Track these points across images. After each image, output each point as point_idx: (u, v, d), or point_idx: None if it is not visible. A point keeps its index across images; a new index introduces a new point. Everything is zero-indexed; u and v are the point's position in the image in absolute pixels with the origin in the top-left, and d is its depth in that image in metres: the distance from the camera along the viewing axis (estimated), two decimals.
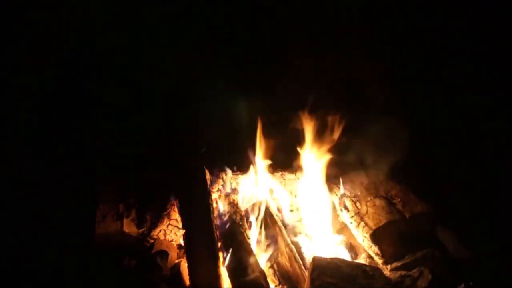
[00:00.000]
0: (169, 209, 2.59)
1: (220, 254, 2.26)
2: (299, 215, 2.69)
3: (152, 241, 2.56)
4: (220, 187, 2.71)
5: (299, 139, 2.79)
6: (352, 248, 2.66)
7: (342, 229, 2.73)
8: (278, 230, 2.41)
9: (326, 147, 2.70)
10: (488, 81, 3.15)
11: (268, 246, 2.39)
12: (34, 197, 2.76)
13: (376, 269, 2.16)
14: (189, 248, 2.29)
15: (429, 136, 3.01)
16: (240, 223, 2.45)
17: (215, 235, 2.31)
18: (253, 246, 2.40)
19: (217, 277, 2.15)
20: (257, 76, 3.32)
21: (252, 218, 2.53)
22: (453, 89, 3.18)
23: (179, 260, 2.51)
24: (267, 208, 2.54)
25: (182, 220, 2.44)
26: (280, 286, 2.27)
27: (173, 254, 2.52)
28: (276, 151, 2.81)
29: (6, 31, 3.02)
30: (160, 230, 2.57)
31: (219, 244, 2.31)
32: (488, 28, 3.11)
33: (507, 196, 2.56)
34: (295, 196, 2.73)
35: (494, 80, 3.13)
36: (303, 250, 2.45)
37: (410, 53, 3.32)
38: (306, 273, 2.17)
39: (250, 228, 2.49)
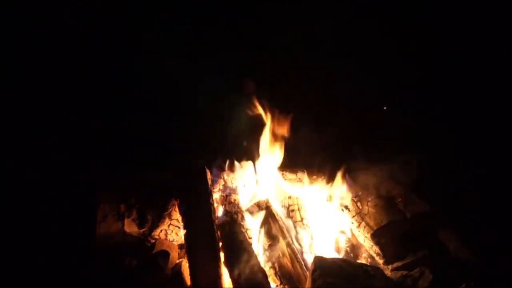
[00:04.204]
0: (170, 209, 2.58)
1: (221, 254, 2.26)
2: (300, 214, 2.68)
3: (153, 241, 2.56)
4: (221, 187, 2.71)
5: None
6: (353, 248, 2.67)
7: (343, 229, 2.73)
8: (279, 229, 2.41)
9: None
10: (489, 82, 3.16)
11: (269, 246, 2.39)
12: (34, 197, 2.76)
13: (377, 269, 2.16)
14: (190, 248, 2.29)
15: (430, 136, 3.02)
16: (242, 223, 2.45)
17: (216, 235, 2.31)
18: (254, 246, 2.40)
19: (218, 277, 2.15)
20: (260, 74, 3.33)
21: (253, 217, 2.53)
22: (455, 88, 3.19)
23: (180, 260, 2.51)
24: (268, 208, 2.54)
25: (183, 220, 2.43)
26: (281, 286, 2.27)
27: (174, 254, 2.52)
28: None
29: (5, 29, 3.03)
30: (161, 230, 2.57)
31: (220, 244, 2.31)
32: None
33: (507, 196, 2.57)
34: (297, 196, 2.72)
35: (495, 81, 3.14)
36: (305, 250, 2.45)
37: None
38: (308, 273, 2.17)
39: (251, 227, 2.49)
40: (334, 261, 2.16)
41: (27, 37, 3.16)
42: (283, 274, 2.27)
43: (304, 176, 2.78)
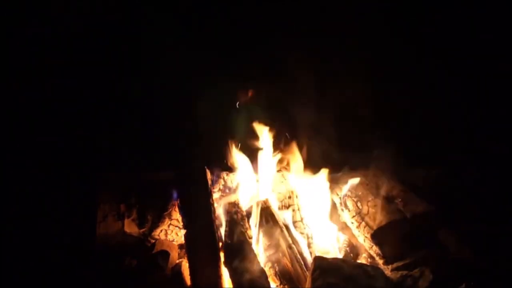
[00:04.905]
0: (170, 209, 2.59)
1: (221, 254, 2.26)
2: (300, 214, 2.68)
3: (153, 241, 2.56)
4: (221, 187, 2.71)
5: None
6: (353, 248, 2.67)
7: (343, 229, 2.73)
8: (279, 229, 2.41)
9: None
10: (488, 80, 3.16)
11: (269, 246, 2.38)
12: (34, 197, 2.76)
13: (377, 269, 2.16)
14: (190, 248, 2.29)
15: (430, 136, 3.02)
16: (241, 223, 2.45)
17: (216, 235, 2.31)
18: (254, 246, 2.40)
19: (218, 277, 2.15)
20: (258, 75, 3.32)
21: (253, 217, 2.54)
22: (455, 86, 3.19)
23: (180, 260, 2.51)
24: (268, 208, 2.53)
25: (183, 220, 2.44)
26: (281, 286, 2.26)
27: (174, 254, 2.52)
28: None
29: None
30: (161, 230, 2.57)
31: (220, 244, 2.31)
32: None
33: (507, 196, 2.57)
34: (296, 195, 2.72)
35: (494, 79, 3.14)
36: (304, 250, 2.45)
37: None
38: (308, 273, 2.17)
39: (251, 228, 2.50)
40: (334, 261, 2.16)
41: (29, 36, 3.16)
42: (283, 274, 2.26)
43: (304, 176, 2.79)
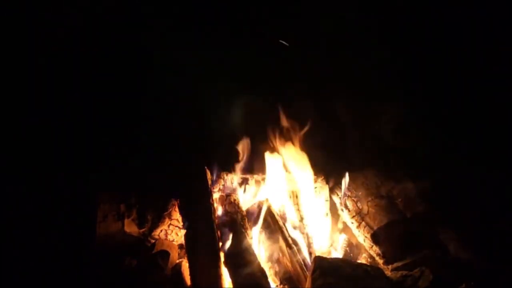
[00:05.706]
0: (170, 209, 2.58)
1: (221, 254, 2.26)
2: (300, 214, 2.69)
3: (153, 241, 2.56)
4: (221, 187, 2.72)
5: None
6: (353, 248, 2.67)
7: (343, 229, 2.73)
8: (279, 229, 2.41)
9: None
10: (488, 81, 3.16)
11: (269, 246, 2.39)
12: (34, 197, 2.76)
13: (377, 269, 2.16)
14: (190, 248, 2.29)
15: (430, 136, 3.02)
16: (242, 223, 2.45)
17: (216, 235, 2.31)
18: (255, 246, 2.40)
19: (218, 277, 2.15)
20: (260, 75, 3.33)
21: (253, 218, 2.54)
22: (455, 89, 3.19)
23: (180, 260, 2.51)
24: (268, 208, 2.54)
25: (183, 220, 2.44)
26: (281, 286, 2.27)
27: (174, 254, 2.52)
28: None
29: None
30: (161, 230, 2.57)
31: (220, 244, 2.31)
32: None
33: (507, 197, 2.57)
34: (296, 196, 2.73)
35: (494, 81, 3.14)
36: (304, 250, 2.45)
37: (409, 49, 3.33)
38: (307, 273, 2.17)
39: (251, 228, 2.50)
40: (334, 261, 2.16)
41: (32, 37, 3.17)
42: (283, 274, 2.27)
43: (304, 176, 2.78)
